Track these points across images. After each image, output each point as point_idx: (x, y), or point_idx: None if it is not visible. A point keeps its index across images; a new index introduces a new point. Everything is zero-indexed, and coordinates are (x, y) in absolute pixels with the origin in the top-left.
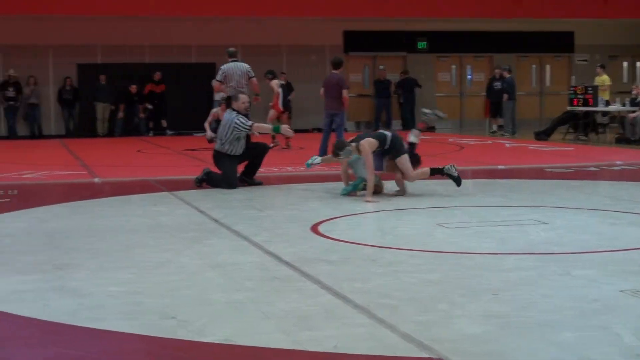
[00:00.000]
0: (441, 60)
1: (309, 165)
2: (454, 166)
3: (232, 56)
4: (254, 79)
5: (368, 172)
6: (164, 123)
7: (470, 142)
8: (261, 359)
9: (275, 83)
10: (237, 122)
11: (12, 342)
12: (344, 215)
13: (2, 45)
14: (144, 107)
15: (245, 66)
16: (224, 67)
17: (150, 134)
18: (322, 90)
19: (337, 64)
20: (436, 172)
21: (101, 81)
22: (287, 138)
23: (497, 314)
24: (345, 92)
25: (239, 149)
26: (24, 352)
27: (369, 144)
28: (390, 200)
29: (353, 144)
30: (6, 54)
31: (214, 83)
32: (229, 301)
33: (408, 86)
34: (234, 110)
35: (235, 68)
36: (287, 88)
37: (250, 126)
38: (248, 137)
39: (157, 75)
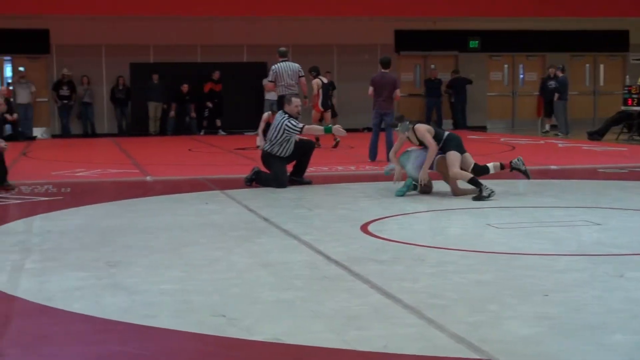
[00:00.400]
0: (493, 59)
1: (387, 173)
2: (520, 159)
3: (283, 56)
4: (303, 79)
5: (430, 150)
6: (218, 123)
7: (522, 142)
8: (310, 358)
9: (316, 82)
10: (288, 124)
11: (66, 339)
12: (394, 215)
13: (57, 45)
14: (205, 106)
15: (295, 66)
16: (275, 67)
17: (201, 133)
18: (370, 89)
19: (387, 63)
20: (474, 184)
21: (154, 80)
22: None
23: (548, 315)
24: (398, 92)
25: (288, 150)
26: (78, 348)
27: (425, 128)
28: (441, 201)
29: (410, 125)
30: (60, 54)
31: (266, 83)
32: (278, 300)
33: (459, 86)
34: (285, 112)
35: (285, 68)
36: (330, 87)
37: (301, 128)
38: None
39: (216, 75)
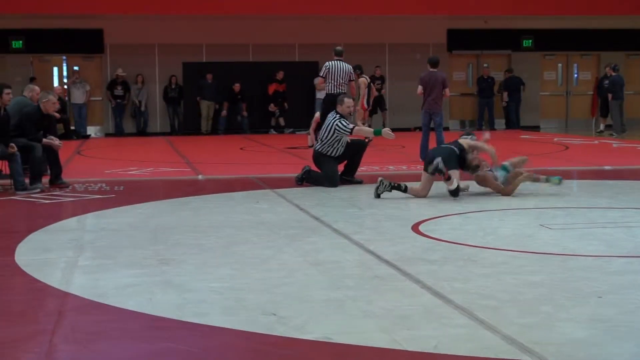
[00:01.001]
0: (547, 58)
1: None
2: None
3: (338, 55)
4: (353, 82)
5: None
6: (282, 121)
7: (576, 141)
8: (360, 358)
9: (363, 81)
10: (339, 124)
11: (118, 335)
12: (445, 215)
13: (111, 45)
14: (273, 109)
15: (348, 67)
16: (328, 63)
17: (272, 132)
18: (420, 88)
19: (435, 63)
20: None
21: (207, 79)
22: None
23: (602, 317)
24: (447, 90)
25: (339, 150)
26: (130, 345)
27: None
28: (492, 201)
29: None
30: (114, 53)
31: (317, 79)
32: (328, 299)
33: (513, 85)
34: (337, 112)
35: (338, 67)
36: (380, 82)
37: (352, 129)
38: None
39: (280, 74)
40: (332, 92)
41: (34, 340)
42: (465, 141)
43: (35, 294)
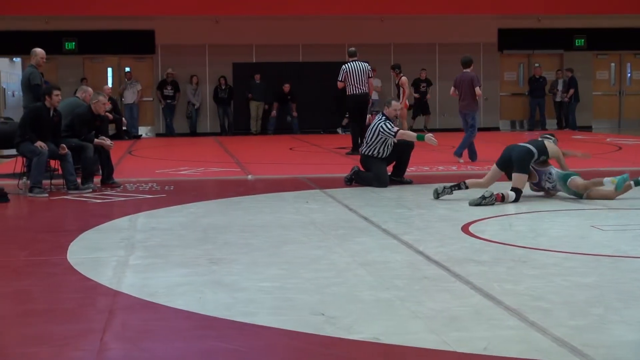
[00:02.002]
0: (599, 57)
1: None
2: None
3: (352, 56)
4: (371, 80)
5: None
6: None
7: (629, 142)
8: (409, 358)
9: (405, 80)
10: (383, 126)
11: (168, 334)
12: (495, 216)
13: (162, 46)
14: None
15: (365, 66)
16: (344, 66)
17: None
18: (452, 89)
19: (467, 63)
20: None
21: (256, 80)
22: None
23: None
24: (478, 90)
25: (386, 152)
26: (179, 344)
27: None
28: (542, 202)
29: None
30: (165, 54)
31: (338, 84)
32: (377, 299)
33: (574, 85)
34: (383, 115)
35: (355, 67)
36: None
37: (395, 133)
38: None
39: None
40: (354, 93)
41: (85, 338)
42: (549, 145)
43: (87, 292)
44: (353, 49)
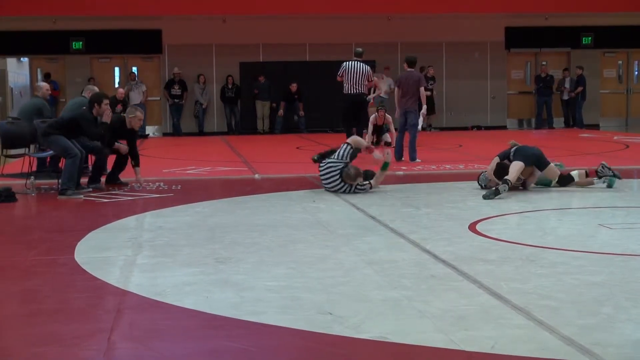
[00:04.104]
0: (607, 55)
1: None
2: (605, 164)
3: (356, 55)
4: (376, 80)
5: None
6: None
7: (637, 140)
8: (416, 358)
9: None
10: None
11: (176, 333)
12: (502, 214)
13: (169, 45)
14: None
15: (364, 67)
16: (344, 64)
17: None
18: (396, 89)
19: (412, 62)
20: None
21: (260, 81)
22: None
23: None
24: (422, 90)
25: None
26: (187, 343)
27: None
28: (550, 200)
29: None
30: (172, 54)
31: (338, 77)
32: (385, 298)
33: (583, 83)
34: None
35: (353, 67)
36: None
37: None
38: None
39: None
40: (349, 92)
41: (92, 337)
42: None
43: (94, 291)
44: (360, 49)
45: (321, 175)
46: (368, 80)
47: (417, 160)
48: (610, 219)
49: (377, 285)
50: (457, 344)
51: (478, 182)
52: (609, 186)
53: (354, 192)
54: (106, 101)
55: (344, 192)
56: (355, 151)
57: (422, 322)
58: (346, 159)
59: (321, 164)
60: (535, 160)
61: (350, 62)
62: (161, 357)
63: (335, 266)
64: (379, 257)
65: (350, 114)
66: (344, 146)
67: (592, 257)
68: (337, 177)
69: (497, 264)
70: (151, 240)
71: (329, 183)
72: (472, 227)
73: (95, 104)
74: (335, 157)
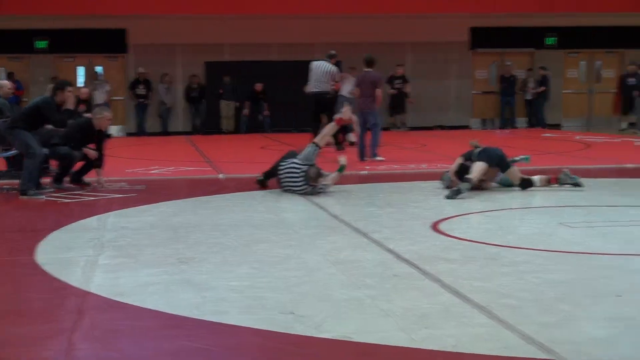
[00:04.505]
0: (570, 56)
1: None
2: (567, 172)
3: (328, 57)
4: (339, 84)
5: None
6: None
7: (598, 139)
8: (379, 357)
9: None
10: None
11: (137, 334)
12: (465, 214)
13: (134, 45)
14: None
15: (328, 66)
16: (312, 63)
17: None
18: (355, 89)
19: (370, 62)
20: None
21: (225, 80)
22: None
23: (622, 316)
24: (379, 91)
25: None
26: (149, 343)
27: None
28: (512, 200)
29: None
30: (137, 53)
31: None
32: (348, 298)
33: (546, 83)
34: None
35: (318, 66)
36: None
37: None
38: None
39: None
40: (311, 90)
41: (53, 338)
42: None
43: (56, 292)
44: (332, 52)
45: (282, 176)
46: (334, 81)
47: (379, 158)
48: (571, 218)
49: (340, 285)
50: (419, 343)
51: (441, 182)
52: (577, 185)
53: (316, 193)
54: (69, 88)
55: (305, 193)
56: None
57: (385, 321)
58: (311, 160)
59: (282, 164)
60: (499, 161)
61: (316, 61)
62: (122, 357)
63: (299, 266)
64: (343, 257)
65: (313, 112)
66: (310, 147)
67: (553, 256)
68: (301, 178)
69: (459, 263)
70: (114, 241)
71: (291, 184)
72: (435, 227)
73: (59, 91)
74: (301, 158)
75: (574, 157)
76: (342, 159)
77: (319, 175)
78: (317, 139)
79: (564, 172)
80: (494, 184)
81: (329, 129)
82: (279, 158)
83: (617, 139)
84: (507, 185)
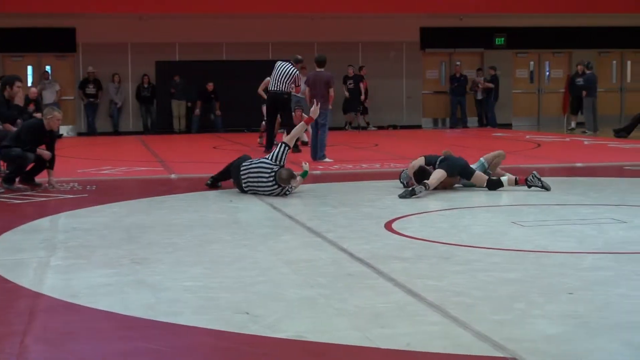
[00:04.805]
0: (519, 56)
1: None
2: (535, 175)
3: (294, 60)
4: (299, 88)
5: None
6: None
7: (548, 139)
8: (333, 356)
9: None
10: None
11: (90, 335)
12: (418, 213)
13: (83, 44)
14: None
15: (289, 68)
16: (276, 62)
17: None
18: (307, 89)
19: (322, 62)
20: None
21: (176, 80)
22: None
23: (574, 314)
24: (331, 91)
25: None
26: (102, 345)
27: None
28: (465, 199)
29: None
30: (86, 52)
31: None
32: (302, 297)
33: (495, 83)
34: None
35: (281, 66)
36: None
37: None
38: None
39: (364, 71)
40: (271, 89)
41: (4, 341)
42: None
43: (7, 294)
44: (300, 57)
45: (245, 176)
46: (294, 84)
47: (327, 159)
48: (523, 217)
49: (293, 284)
50: (373, 342)
51: (400, 180)
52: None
53: (282, 195)
54: (19, 83)
55: (271, 194)
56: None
57: (339, 320)
58: (282, 161)
59: (245, 164)
60: (461, 171)
61: (281, 61)
62: (75, 359)
63: (252, 266)
64: (296, 256)
65: (270, 111)
66: (281, 147)
67: (505, 254)
68: (271, 178)
69: (412, 261)
70: (65, 242)
71: (257, 184)
72: (388, 226)
73: (7, 86)
74: (270, 158)
75: (527, 156)
76: (306, 165)
77: (292, 176)
78: (286, 139)
79: (532, 173)
80: (457, 185)
81: (298, 130)
82: (231, 162)
83: (567, 138)
84: (471, 185)
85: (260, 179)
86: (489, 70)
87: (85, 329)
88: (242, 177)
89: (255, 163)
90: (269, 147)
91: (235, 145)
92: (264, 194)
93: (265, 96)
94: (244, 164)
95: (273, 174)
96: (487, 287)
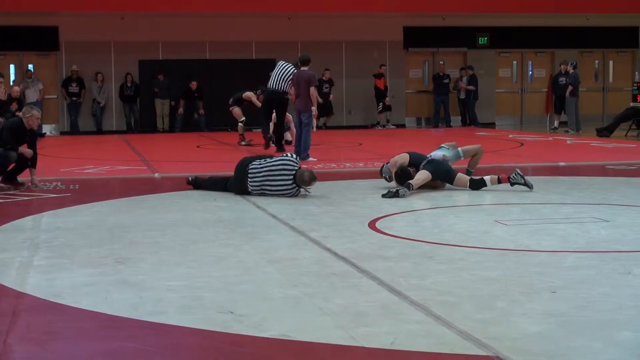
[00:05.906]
0: (502, 55)
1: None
2: (518, 172)
3: (300, 59)
4: (291, 90)
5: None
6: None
7: (531, 138)
8: (317, 355)
9: (250, 95)
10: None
11: (74, 335)
12: (402, 212)
13: (66, 42)
14: (387, 102)
15: (289, 69)
16: (278, 62)
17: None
18: (292, 88)
19: (305, 61)
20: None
21: (159, 79)
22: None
23: (557, 312)
24: (312, 90)
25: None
26: (85, 344)
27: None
28: (448, 198)
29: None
30: (69, 51)
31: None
32: (286, 296)
33: (474, 82)
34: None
35: (282, 66)
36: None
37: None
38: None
39: (382, 69)
40: (269, 87)
41: None
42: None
43: None
44: (305, 56)
45: (262, 175)
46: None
47: (311, 159)
48: (506, 216)
49: (278, 284)
50: (357, 340)
51: (381, 175)
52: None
53: (295, 196)
54: (0, 79)
55: (285, 194)
56: None
57: (323, 319)
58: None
59: (255, 164)
60: (445, 176)
61: (283, 61)
62: (59, 359)
63: (236, 265)
64: (280, 256)
65: (268, 110)
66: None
67: (488, 253)
68: (292, 177)
69: (395, 260)
70: (48, 241)
71: (275, 183)
72: (372, 225)
73: None
74: (293, 157)
75: (510, 155)
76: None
77: (313, 178)
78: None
79: (515, 171)
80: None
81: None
82: (225, 180)
83: (550, 137)
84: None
85: (282, 177)
86: (467, 70)
87: (69, 329)
88: (251, 176)
89: (275, 161)
90: (279, 146)
91: (219, 144)
92: (275, 194)
93: (259, 104)
94: (253, 163)
95: (294, 172)
96: (470, 285)
